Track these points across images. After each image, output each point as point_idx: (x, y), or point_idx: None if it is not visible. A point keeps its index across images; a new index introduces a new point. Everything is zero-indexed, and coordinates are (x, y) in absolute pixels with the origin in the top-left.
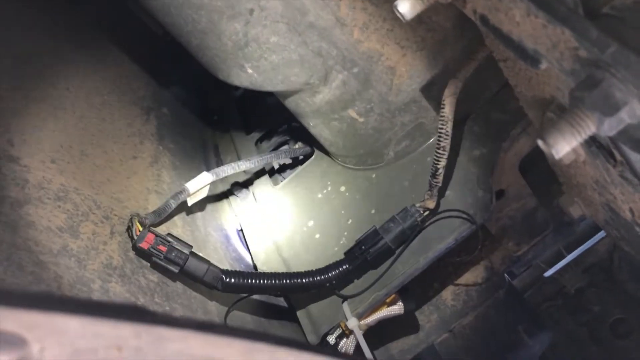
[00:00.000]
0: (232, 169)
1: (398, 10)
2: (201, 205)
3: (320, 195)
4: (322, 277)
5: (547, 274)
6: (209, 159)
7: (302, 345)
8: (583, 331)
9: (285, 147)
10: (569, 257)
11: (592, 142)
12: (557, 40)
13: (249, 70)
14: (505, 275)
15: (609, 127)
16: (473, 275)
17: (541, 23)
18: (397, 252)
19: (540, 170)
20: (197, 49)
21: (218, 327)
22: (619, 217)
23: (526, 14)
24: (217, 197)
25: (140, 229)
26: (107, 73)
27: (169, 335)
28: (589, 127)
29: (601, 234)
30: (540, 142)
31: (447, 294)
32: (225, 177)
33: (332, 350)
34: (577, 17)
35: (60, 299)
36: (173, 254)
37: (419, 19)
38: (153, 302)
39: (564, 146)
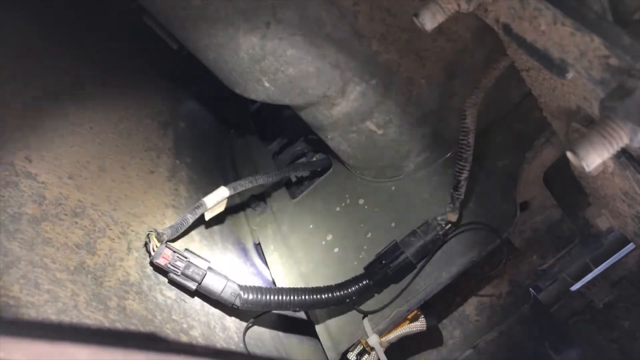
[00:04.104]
0: (250, 183)
1: (419, 21)
2: (219, 219)
3: (338, 209)
4: (342, 292)
5: (574, 288)
6: (226, 172)
7: None
8: (613, 347)
9: (303, 159)
10: (597, 271)
11: (622, 153)
12: (585, 49)
13: (266, 84)
14: (531, 289)
15: None
16: (497, 290)
17: (569, 31)
18: (419, 266)
19: (565, 181)
20: (213, 63)
21: (235, 355)
22: None
23: (552, 22)
24: (234, 211)
25: (158, 244)
26: (124, 88)
27: None
28: (622, 138)
29: (630, 246)
30: (569, 155)
31: (471, 309)
32: (243, 190)
33: None
34: (607, 24)
35: (70, 327)
36: (190, 270)
37: (439, 29)
38: (170, 319)
39: (595, 158)
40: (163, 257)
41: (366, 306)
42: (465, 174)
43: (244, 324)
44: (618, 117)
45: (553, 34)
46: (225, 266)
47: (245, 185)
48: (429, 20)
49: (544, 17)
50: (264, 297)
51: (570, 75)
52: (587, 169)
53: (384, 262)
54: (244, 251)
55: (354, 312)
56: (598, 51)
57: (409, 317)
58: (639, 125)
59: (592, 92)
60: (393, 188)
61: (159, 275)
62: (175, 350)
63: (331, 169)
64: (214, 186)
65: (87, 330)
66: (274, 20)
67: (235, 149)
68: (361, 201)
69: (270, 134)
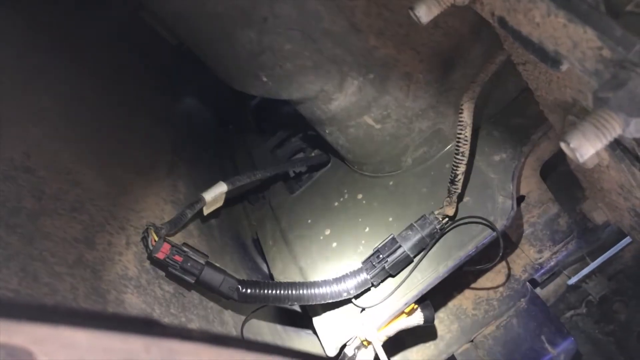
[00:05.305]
0: (248, 178)
1: (414, 14)
2: (217, 214)
3: (337, 204)
4: (339, 286)
5: (571, 282)
6: (225, 168)
7: (317, 358)
8: (609, 341)
9: (301, 155)
10: (593, 265)
11: (617, 146)
12: (578, 40)
13: (264, 79)
14: (527, 283)
15: (635, 129)
16: (494, 284)
17: (562, 22)
18: (416, 260)
19: (562, 175)
20: (211, 58)
21: (232, 340)
22: None
23: (546, 14)
24: (233, 206)
25: (156, 239)
26: (123, 85)
27: (180, 348)
28: (614, 129)
29: (627, 240)
30: (563, 145)
31: (468, 303)
32: (241, 185)
33: None
34: (599, 15)
35: (69, 311)
36: (189, 264)
37: (435, 23)
38: (169, 312)
39: (588, 149)
40: (162, 252)
41: (364, 300)
42: (462, 168)
43: (243, 317)
44: (610, 108)
45: (547, 26)
46: (224, 260)
47: (243, 180)
48: (425, 13)
49: (538, 9)
50: (262, 291)
51: (564, 67)
52: (581, 160)
53: (381, 256)
54: (243, 246)
55: (352, 306)
56: (591, 42)
57: (406, 310)
58: (631, 115)
59: (587, 84)
60: (391, 183)
61: (157, 269)
62: (172, 334)
63: (329, 164)
64: (213, 182)
65: (86, 315)
66: (272, 15)
67: (234, 144)
68: (359, 196)
69: (269, 130)
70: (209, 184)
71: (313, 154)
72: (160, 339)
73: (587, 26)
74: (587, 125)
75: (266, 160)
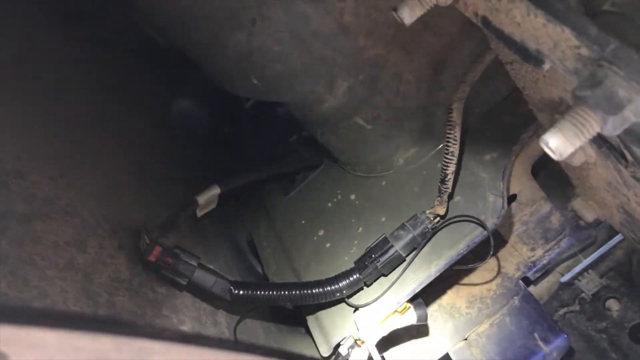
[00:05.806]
0: (242, 180)
1: (398, 15)
2: (211, 216)
3: (330, 204)
4: (332, 286)
5: (563, 279)
6: (220, 170)
7: (291, 355)
8: (602, 337)
9: (296, 156)
10: (586, 262)
11: (603, 143)
12: (558, 39)
13: (254, 81)
14: (520, 281)
15: (613, 126)
16: (487, 282)
17: (541, 22)
18: (408, 259)
19: (553, 173)
20: (202, 60)
21: (203, 339)
22: (634, 219)
23: (526, 14)
24: (227, 208)
25: (148, 241)
26: (117, 87)
27: (151, 347)
28: (593, 127)
29: (618, 237)
30: (542, 143)
31: (462, 302)
32: (235, 187)
33: None
34: (575, 14)
35: (39, 312)
36: (180, 266)
37: (424, 24)
38: (161, 314)
39: (567, 147)
40: (153, 254)
41: (357, 300)
42: (452, 168)
43: (236, 318)
44: (588, 106)
45: (527, 25)
46: (218, 263)
47: (237, 182)
48: (408, 15)
49: (518, 8)
50: (254, 292)
51: (546, 66)
52: (560, 158)
53: (373, 256)
54: (237, 247)
55: (345, 306)
56: (569, 42)
57: (399, 310)
58: (608, 113)
59: (570, 82)
60: (384, 183)
61: (149, 272)
62: (142, 334)
63: (323, 165)
64: (207, 184)
65: (55, 315)
66: (260, 17)
67: (229, 146)
68: (352, 196)
69: (264, 131)
70: (204, 186)
71: (307, 155)
72: (130, 339)
73: (565, 26)
74: (565, 123)
75: (261, 162)
